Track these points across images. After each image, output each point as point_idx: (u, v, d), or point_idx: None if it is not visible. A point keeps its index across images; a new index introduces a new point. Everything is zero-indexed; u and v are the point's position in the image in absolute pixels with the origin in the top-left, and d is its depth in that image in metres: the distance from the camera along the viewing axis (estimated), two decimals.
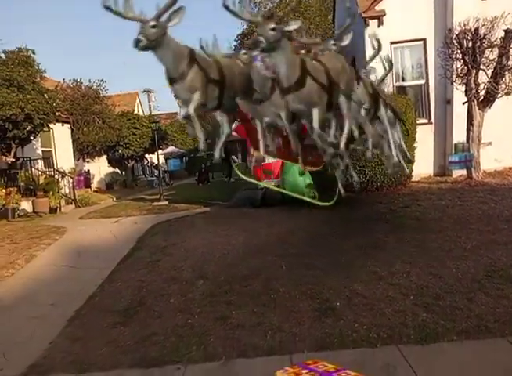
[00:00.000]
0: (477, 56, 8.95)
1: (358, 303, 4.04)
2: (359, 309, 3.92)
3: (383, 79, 4.43)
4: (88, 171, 20.93)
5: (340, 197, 3.79)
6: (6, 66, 12.07)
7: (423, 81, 11.13)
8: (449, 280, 4.34)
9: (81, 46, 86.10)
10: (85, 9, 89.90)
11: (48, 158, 15.64)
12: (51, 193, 12.98)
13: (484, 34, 8.89)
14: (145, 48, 2.80)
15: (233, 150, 21.46)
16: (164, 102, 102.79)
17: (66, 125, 17.70)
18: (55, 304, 4.99)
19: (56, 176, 14.45)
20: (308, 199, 7.68)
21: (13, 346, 3.97)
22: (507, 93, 9.08)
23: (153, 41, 2.78)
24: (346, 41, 3.53)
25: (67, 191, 14.76)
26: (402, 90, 11.08)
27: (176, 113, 31.05)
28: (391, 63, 4.49)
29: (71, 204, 14.15)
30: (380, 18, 10.74)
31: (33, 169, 14.03)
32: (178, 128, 30.93)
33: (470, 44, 8.98)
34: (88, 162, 21.71)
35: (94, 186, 21.00)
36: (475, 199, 7.74)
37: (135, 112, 26.56)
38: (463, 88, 9.28)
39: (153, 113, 32.83)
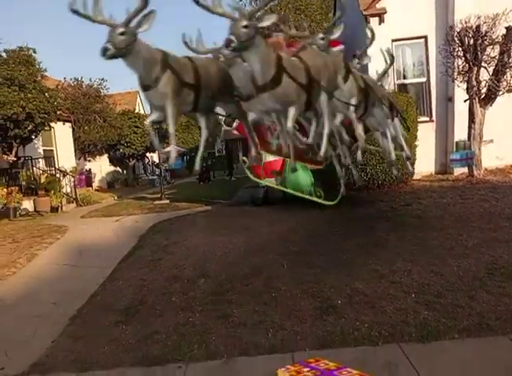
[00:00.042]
0: (479, 53, 8.92)
1: (359, 301, 4.03)
2: (361, 307, 3.92)
3: (384, 73, 4.38)
4: (90, 170, 20.90)
5: (342, 196, 3.78)
6: (7, 66, 12.04)
7: (424, 79, 11.09)
8: (451, 277, 4.33)
9: (81, 46, 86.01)
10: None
11: (49, 157, 15.60)
12: (52, 192, 12.99)
13: (486, 32, 8.86)
14: (113, 57, 2.66)
15: (234, 149, 21.41)
16: None
17: (68, 124, 17.67)
18: (56, 303, 5.00)
19: (58, 175, 14.45)
20: (310, 197, 7.70)
21: (15, 345, 3.97)
22: (509, 91, 9.06)
23: (123, 48, 2.63)
24: (336, 34, 3.47)
25: (69, 190, 14.76)
26: (403, 88, 11.04)
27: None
28: (392, 57, 4.43)
29: (73, 203, 14.15)
30: (381, 16, 10.71)
31: (34, 168, 14.00)
32: (179, 127, 30.92)
33: (471, 41, 8.96)
34: (89, 161, 21.68)
35: (95, 184, 20.97)
36: (477, 197, 7.72)
37: (136, 111, 26.49)
38: (465, 86, 9.26)
39: None
